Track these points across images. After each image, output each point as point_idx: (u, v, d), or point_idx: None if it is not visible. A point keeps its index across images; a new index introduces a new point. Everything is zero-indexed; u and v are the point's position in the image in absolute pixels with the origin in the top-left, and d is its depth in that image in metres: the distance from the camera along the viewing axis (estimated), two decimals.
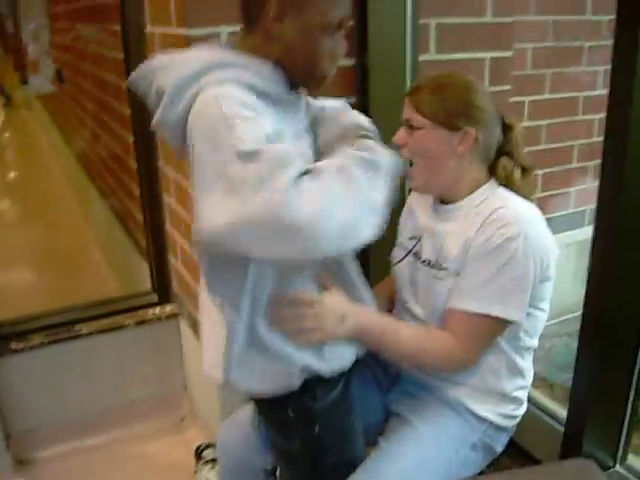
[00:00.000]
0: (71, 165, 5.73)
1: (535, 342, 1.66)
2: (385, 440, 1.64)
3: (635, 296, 1.67)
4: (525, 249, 1.46)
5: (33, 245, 4.86)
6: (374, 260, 2.08)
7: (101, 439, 2.67)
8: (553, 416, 2.10)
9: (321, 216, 1.08)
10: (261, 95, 1.24)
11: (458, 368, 1.60)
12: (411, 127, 1.57)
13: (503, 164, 1.61)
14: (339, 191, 1.13)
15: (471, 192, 1.59)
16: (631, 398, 1.79)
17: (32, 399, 2.58)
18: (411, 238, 1.72)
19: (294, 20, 1.25)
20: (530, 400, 2.11)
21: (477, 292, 1.49)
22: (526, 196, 1.60)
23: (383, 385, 1.81)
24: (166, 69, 1.28)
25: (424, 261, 1.64)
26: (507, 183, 1.60)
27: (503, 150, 1.62)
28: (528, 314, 1.55)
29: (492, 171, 1.62)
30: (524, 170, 1.62)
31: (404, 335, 1.55)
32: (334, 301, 1.44)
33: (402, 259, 1.73)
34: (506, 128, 1.62)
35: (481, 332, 1.53)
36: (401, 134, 1.59)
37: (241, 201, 1.08)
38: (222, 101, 1.16)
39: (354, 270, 1.50)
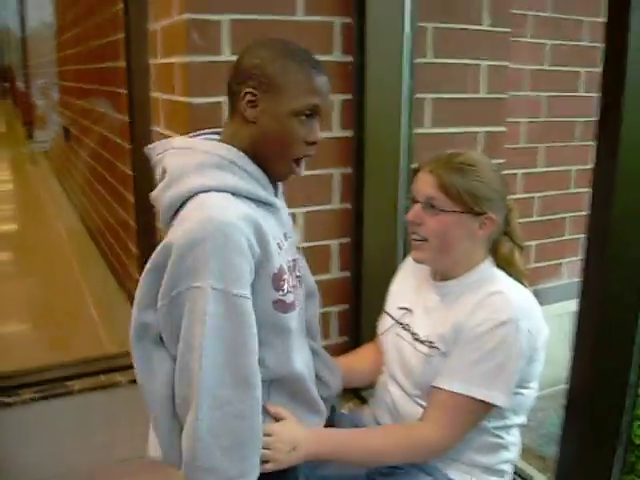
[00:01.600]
0: (72, 221, 5.79)
1: (523, 419, 1.63)
2: None
3: (620, 368, 1.69)
4: (515, 336, 1.44)
5: (29, 299, 4.86)
6: (365, 328, 2.11)
7: None
8: None
9: None
10: (250, 200, 1.32)
11: (442, 452, 1.55)
12: (432, 207, 1.52)
13: (506, 247, 1.60)
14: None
15: (469, 270, 1.58)
16: (615, 470, 1.78)
17: (20, 455, 2.56)
18: (400, 308, 1.71)
19: (267, 106, 1.31)
20: (519, 473, 2.11)
21: (462, 374, 1.47)
22: (522, 276, 1.60)
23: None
24: (176, 154, 1.34)
25: (415, 335, 1.62)
26: (507, 265, 1.60)
27: (504, 230, 1.60)
28: (516, 393, 1.52)
29: (493, 251, 1.61)
30: (520, 250, 1.62)
31: (374, 442, 1.53)
32: (285, 431, 1.42)
33: (389, 328, 1.72)
34: (507, 207, 1.60)
35: (463, 413, 1.50)
36: (418, 212, 1.55)
37: None
38: (208, 248, 1.20)
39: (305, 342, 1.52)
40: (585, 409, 1.72)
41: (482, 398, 1.45)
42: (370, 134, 2.16)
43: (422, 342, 1.58)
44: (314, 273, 2.27)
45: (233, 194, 1.29)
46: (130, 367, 2.73)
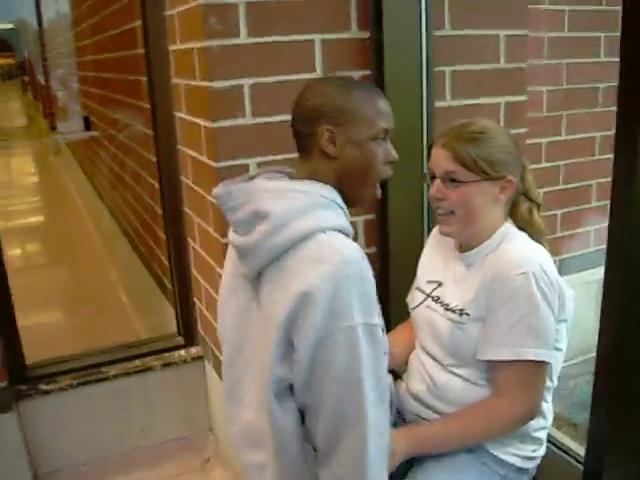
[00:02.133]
0: (98, 210, 5.84)
1: (555, 382, 1.67)
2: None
3: None
4: (541, 288, 1.48)
5: (61, 288, 4.94)
6: (393, 303, 2.12)
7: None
8: (575, 457, 2.10)
9: None
10: (347, 235, 1.37)
11: (522, 422, 1.59)
12: (452, 180, 1.55)
13: (525, 206, 1.64)
14: None
15: (490, 235, 1.61)
16: None
17: (60, 440, 2.62)
18: (430, 282, 1.74)
19: (346, 138, 1.37)
20: (551, 441, 2.11)
21: (505, 339, 1.51)
22: (542, 235, 1.64)
23: None
24: (273, 197, 1.34)
25: (447, 306, 1.65)
26: (526, 224, 1.64)
27: (520, 190, 1.64)
28: None
29: (512, 212, 1.65)
30: (538, 207, 1.66)
31: (458, 431, 1.60)
32: None
33: (421, 303, 1.74)
34: (522, 167, 1.64)
35: (527, 377, 1.54)
36: (440, 188, 1.58)
37: None
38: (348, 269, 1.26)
39: None
40: (615, 376, 1.71)
41: (533, 358, 1.50)
42: (392, 108, 2.15)
43: (453, 311, 1.62)
44: None
45: (339, 231, 1.34)
46: (163, 351, 2.79)
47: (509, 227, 1.63)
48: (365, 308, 1.27)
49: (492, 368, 1.55)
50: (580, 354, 3.17)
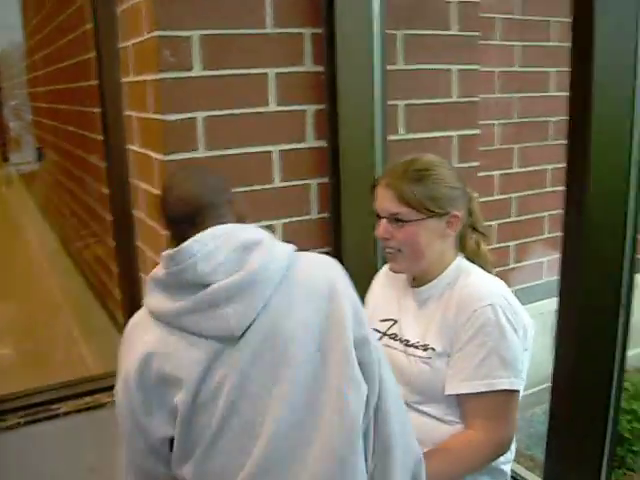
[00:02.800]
0: (50, 242, 5.74)
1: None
2: None
3: (603, 363, 1.70)
4: (498, 316, 1.49)
5: (11, 322, 4.83)
6: None
7: None
8: None
9: None
10: None
11: (500, 452, 1.57)
12: (398, 220, 1.55)
13: (472, 238, 1.65)
14: None
15: (443, 269, 1.61)
16: (605, 463, 1.80)
17: None
18: (384, 320, 1.72)
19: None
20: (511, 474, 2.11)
21: (476, 372, 1.49)
22: (489, 265, 1.65)
23: None
24: (245, 229, 1.34)
25: (406, 342, 1.63)
26: (475, 256, 1.65)
27: (467, 222, 1.64)
28: None
29: (460, 244, 1.65)
30: (485, 237, 1.68)
31: (436, 470, 1.48)
32: None
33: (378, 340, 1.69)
34: (468, 198, 1.64)
35: (500, 407, 1.52)
36: (385, 228, 1.58)
37: None
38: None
39: None
40: (571, 405, 1.73)
41: (508, 387, 1.49)
42: (344, 143, 2.17)
43: (416, 347, 1.60)
44: None
45: None
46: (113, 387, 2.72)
47: (461, 260, 1.64)
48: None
49: (464, 402, 1.53)
50: (535, 384, 3.19)
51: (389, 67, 2.24)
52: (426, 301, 1.63)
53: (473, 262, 1.64)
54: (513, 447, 1.67)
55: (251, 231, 1.32)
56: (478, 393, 1.50)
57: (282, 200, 2.21)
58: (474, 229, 1.66)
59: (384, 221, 1.58)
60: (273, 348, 1.24)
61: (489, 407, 1.51)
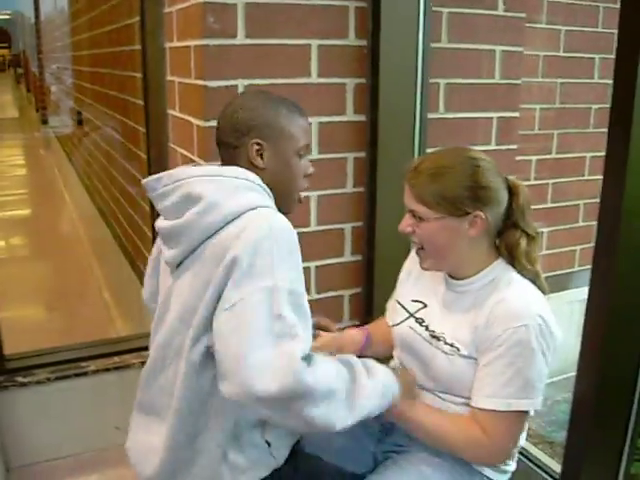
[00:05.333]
0: (85, 204, 5.82)
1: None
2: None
3: (630, 353, 1.69)
4: (532, 339, 1.44)
5: (44, 281, 4.92)
6: (377, 309, 2.12)
7: (101, 477, 2.67)
8: (550, 473, 2.10)
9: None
10: None
11: (495, 461, 1.58)
12: (416, 217, 1.53)
13: (512, 236, 1.56)
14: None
15: (480, 270, 1.56)
16: (625, 455, 1.79)
17: (34, 434, 2.60)
18: (415, 301, 1.70)
19: (274, 151, 1.47)
20: (528, 457, 2.12)
21: (501, 391, 1.47)
22: (530, 271, 1.56)
23: (375, 435, 1.78)
24: (205, 180, 1.40)
25: (432, 332, 1.61)
26: (512, 258, 1.56)
27: (510, 219, 1.55)
28: None
29: (501, 244, 1.58)
30: (529, 237, 1.56)
31: (443, 429, 1.55)
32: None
33: (403, 321, 1.70)
34: (511, 192, 1.54)
35: (514, 425, 1.51)
36: (407, 222, 1.56)
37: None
38: (277, 232, 1.32)
39: None
40: (594, 396, 1.72)
41: (526, 409, 1.48)
42: (384, 118, 2.16)
43: (440, 339, 1.58)
44: (327, 256, 2.30)
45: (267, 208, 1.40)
46: (142, 349, 2.77)
47: (501, 266, 1.57)
48: (290, 274, 1.30)
49: (483, 411, 1.51)
50: (559, 373, 3.19)
51: (433, 45, 2.23)
52: (460, 296, 1.60)
53: (513, 265, 1.57)
54: (525, 434, 1.67)
55: (205, 186, 1.38)
56: (497, 410, 1.49)
57: (318, 172, 2.19)
58: (516, 226, 1.56)
59: (407, 215, 1.57)
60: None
61: (504, 422, 1.49)
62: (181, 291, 1.42)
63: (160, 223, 1.46)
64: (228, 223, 1.35)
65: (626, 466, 1.81)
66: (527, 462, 2.03)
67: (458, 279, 1.60)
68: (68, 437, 2.66)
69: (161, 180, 1.44)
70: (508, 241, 1.56)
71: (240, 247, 1.29)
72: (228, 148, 1.49)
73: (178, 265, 1.43)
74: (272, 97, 1.53)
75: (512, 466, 1.68)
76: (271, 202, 1.44)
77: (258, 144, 1.45)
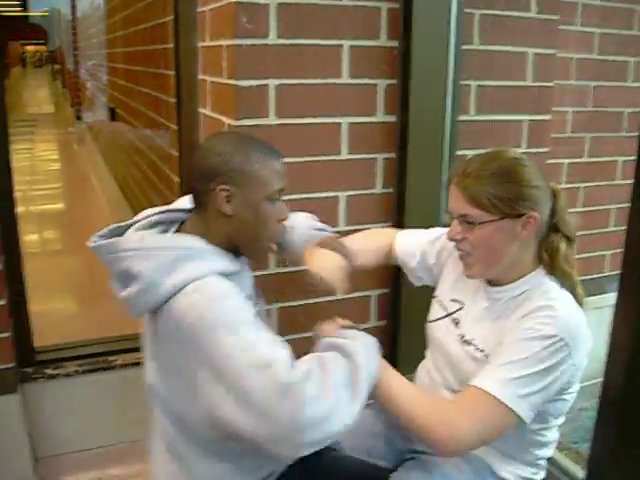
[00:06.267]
0: (117, 200, 5.88)
1: (562, 419, 1.60)
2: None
3: None
4: (557, 355, 1.39)
5: (75, 275, 4.98)
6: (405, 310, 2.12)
7: (126, 470, 2.70)
8: (573, 478, 2.09)
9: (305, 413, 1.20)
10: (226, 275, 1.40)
11: (457, 449, 1.44)
12: (468, 222, 1.47)
13: (553, 239, 1.51)
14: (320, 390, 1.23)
15: (519, 277, 1.52)
16: None
17: (62, 425, 2.63)
18: (454, 300, 1.67)
19: (243, 197, 1.43)
20: (552, 462, 2.10)
21: (500, 375, 1.40)
22: (568, 275, 1.52)
23: (401, 431, 1.73)
24: (139, 254, 1.37)
25: (463, 337, 1.59)
26: (551, 262, 1.52)
27: (551, 222, 1.51)
28: (558, 400, 1.49)
29: (540, 248, 1.53)
30: (569, 241, 1.53)
31: (404, 393, 1.43)
32: None
33: (439, 319, 1.69)
34: (553, 194, 1.51)
35: (491, 413, 1.40)
36: (457, 229, 1.50)
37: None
38: (215, 305, 1.30)
39: None
40: (619, 404, 1.70)
41: (511, 405, 1.38)
42: (414, 119, 2.16)
43: (470, 344, 1.57)
44: None
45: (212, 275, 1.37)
46: None
47: (540, 275, 1.53)
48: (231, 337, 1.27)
49: (472, 390, 1.43)
50: (588, 379, 3.15)
51: (464, 47, 2.22)
52: (494, 303, 1.56)
53: (553, 272, 1.52)
54: (554, 446, 1.64)
55: (142, 264, 1.35)
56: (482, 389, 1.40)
57: (348, 172, 2.22)
58: (557, 230, 1.52)
59: (455, 222, 1.51)
60: None
61: (485, 407, 1.39)
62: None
63: (115, 289, 1.44)
64: (168, 299, 1.33)
65: None
66: (551, 467, 2.01)
67: (496, 285, 1.57)
68: (95, 429, 2.69)
69: (100, 251, 1.43)
70: (549, 245, 1.52)
71: (184, 327, 1.29)
72: (197, 195, 1.46)
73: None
74: (244, 140, 1.49)
75: (540, 475, 1.66)
76: (217, 261, 1.41)
77: (226, 190, 1.41)
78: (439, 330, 1.68)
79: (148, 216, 1.52)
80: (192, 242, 1.41)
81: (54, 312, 4.15)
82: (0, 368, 2.37)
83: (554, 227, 1.52)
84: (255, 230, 1.46)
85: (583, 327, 1.45)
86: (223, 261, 1.42)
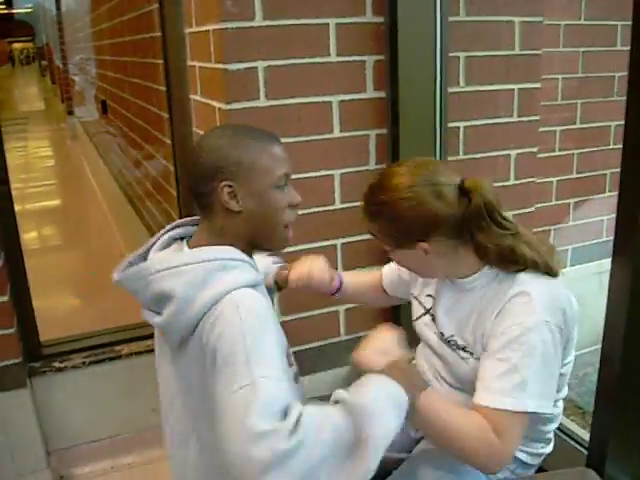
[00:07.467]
0: (113, 192, 5.88)
1: (565, 391, 1.62)
2: (407, 462, 1.64)
3: None
4: (547, 336, 1.37)
5: (76, 269, 5.00)
6: None
7: (138, 458, 2.73)
8: (581, 442, 2.10)
9: None
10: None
11: (496, 467, 1.42)
12: None
13: (489, 248, 1.45)
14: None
15: (475, 272, 1.51)
16: None
17: (73, 417, 2.65)
18: (428, 296, 1.68)
19: (247, 190, 1.36)
20: (561, 429, 2.12)
21: (509, 388, 1.37)
22: (524, 259, 1.45)
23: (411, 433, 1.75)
24: (170, 274, 1.31)
25: (443, 336, 1.59)
26: (497, 257, 1.46)
27: (471, 224, 1.44)
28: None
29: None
30: (508, 234, 1.45)
31: (455, 423, 1.37)
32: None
33: (420, 317, 1.71)
34: (468, 197, 1.42)
35: (519, 425, 1.39)
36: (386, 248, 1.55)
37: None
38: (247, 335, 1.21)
39: None
40: (619, 366, 1.72)
41: (532, 411, 1.38)
42: (404, 94, 2.17)
43: (452, 342, 1.57)
44: (352, 234, 2.32)
45: (245, 286, 1.32)
46: None
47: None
48: (262, 362, 1.18)
49: (490, 414, 1.38)
50: (590, 344, 3.17)
51: (451, 18, 2.22)
52: (464, 293, 1.55)
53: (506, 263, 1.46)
54: (559, 418, 1.67)
55: (173, 281, 1.30)
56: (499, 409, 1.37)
57: (341, 150, 2.23)
58: (481, 229, 1.44)
59: None
60: None
61: (510, 423, 1.37)
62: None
63: (147, 315, 1.39)
64: (204, 315, 1.27)
65: None
66: (557, 432, 2.03)
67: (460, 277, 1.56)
68: (105, 419, 2.71)
69: (128, 280, 1.38)
70: (484, 247, 1.45)
71: (217, 344, 1.22)
72: (201, 198, 1.39)
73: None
74: (237, 131, 1.43)
75: (548, 449, 1.68)
76: (249, 272, 1.36)
77: (228, 186, 1.35)
78: (422, 327, 1.70)
79: (162, 235, 1.48)
80: (222, 253, 1.35)
81: (58, 307, 4.17)
82: (8, 364, 2.38)
83: (480, 230, 1.44)
84: (268, 221, 1.40)
85: (562, 299, 1.44)
86: (251, 268, 1.39)
